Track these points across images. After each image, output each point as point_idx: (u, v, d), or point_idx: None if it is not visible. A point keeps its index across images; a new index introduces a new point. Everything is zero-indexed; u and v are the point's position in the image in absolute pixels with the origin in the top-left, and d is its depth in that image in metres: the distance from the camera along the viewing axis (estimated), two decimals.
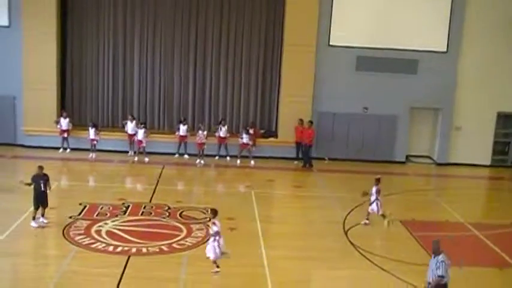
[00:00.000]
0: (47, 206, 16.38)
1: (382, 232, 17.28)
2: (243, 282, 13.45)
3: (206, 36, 25.97)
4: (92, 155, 24.25)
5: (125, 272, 13.53)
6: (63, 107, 25.56)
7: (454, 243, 16.37)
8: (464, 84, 26.13)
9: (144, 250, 14.87)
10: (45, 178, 16.28)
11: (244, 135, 24.54)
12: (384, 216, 17.46)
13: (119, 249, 14.86)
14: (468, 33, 25.84)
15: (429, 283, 11.71)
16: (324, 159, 25.70)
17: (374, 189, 17.52)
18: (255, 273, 13.98)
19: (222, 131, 24.81)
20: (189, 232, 16.23)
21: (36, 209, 16.12)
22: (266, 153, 25.45)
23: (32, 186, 16.16)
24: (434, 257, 11.81)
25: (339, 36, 25.44)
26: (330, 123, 25.85)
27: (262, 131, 26.20)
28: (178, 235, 15.98)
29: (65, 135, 24.70)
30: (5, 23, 24.68)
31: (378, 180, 17.67)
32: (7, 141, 25.03)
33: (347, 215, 18.46)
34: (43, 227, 16.06)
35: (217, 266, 13.54)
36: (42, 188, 16.15)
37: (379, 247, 15.81)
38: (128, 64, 26.09)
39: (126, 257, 14.34)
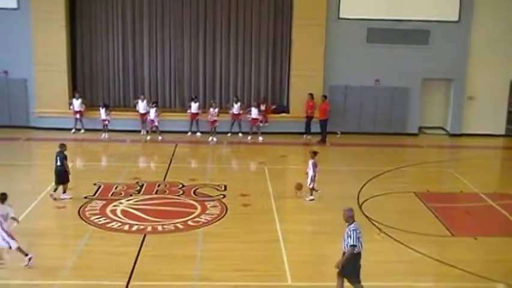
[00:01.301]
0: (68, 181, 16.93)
1: (396, 205, 17.27)
2: (258, 258, 13.51)
3: (215, 13, 25.84)
4: (105, 135, 24.35)
5: (141, 251, 13.63)
6: (75, 88, 25.61)
7: (469, 213, 16.38)
8: (477, 54, 25.88)
9: (160, 228, 14.96)
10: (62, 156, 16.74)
11: (253, 111, 24.47)
12: (313, 190, 17.33)
13: (135, 228, 14.96)
14: (480, 2, 25.56)
15: (344, 252, 11.39)
16: (336, 133, 25.63)
17: (310, 163, 17.31)
18: (270, 248, 14.03)
19: (235, 108, 24.76)
20: (204, 209, 16.29)
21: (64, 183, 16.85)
22: (278, 128, 25.41)
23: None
24: (347, 226, 11.50)
25: (348, 8, 25.19)
26: (341, 96, 25.75)
27: (273, 107, 26.13)
28: (193, 212, 16.05)
29: (78, 116, 24.78)
30: (14, 5, 24.67)
31: (314, 154, 17.50)
32: (20, 124, 25.18)
33: (361, 188, 18.44)
34: (59, 208, 16.23)
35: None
36: (60, 164, 16.66)
37: (394, 220, 15.77)
38: (137, 43, 26.04)
39: (142, 236, 14.43)
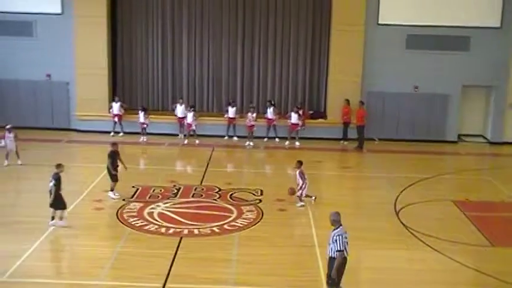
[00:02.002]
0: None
1: (434, 213, 17.09)
2: (294, 263, 13.53)
3: (254, 18, 25.96)
4: (143, 138, 24.64)
5: (177, 253, 13.76)
6: (114, 92, 26.01)
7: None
8: None
9: (196, 232, 15.08)
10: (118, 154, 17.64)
11: (293, 116, 24.49)
12: (301, 197, 17.21)
13: (171, 231, 15.11)
14: None
15: (331, 257, 11.30)
16: (373, 139, 25.47)
17: (297, 173, 17.25)
18: (306, 253, 14.03)
19: (269, 113, 24.82)
20: (240, 213, 16.37)
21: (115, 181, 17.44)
22: (315, 134, 25.37)
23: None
24: (332, 230, 11.41)
25: (388, 14, 25.04)
26: (379, 103, 25.58)
27: (310, 112, 26.11)
28: (229, 216, 16.14)
29: (116, 119, 25.14)
30: (58, 10, 25.19)
31: (299, 163, 17.40)
32: (62, 126, 25.67)
33: (398, 195, 18.29)
34: (98, 209, 16.51)
35: None
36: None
37: (431, 227, 15.61)
38: (177, 48, 26.31)
39: (178, 239, 14.57)
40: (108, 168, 17.34)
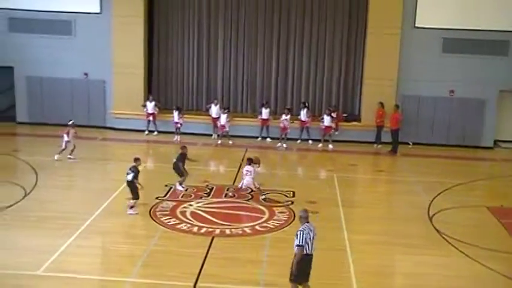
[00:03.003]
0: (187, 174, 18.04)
1: (467, 219, 16.89)
2: (324, 266, 13.48)
3: (289, 19, 25.98)
4: (177, 137, 24.84)
5: (209, 253, 13.85)
6: (149, 91, 26.28)
7: None
8: None
9: (228, 232, 15.16)
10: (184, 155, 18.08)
11: (326, 118, 24.43)
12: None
13: (203, 230, 15.21)
14: None
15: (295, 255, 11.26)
16: (407, 143, 25.26)
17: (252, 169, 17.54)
18: (337, 257, 14.00)
19: (302, 114, 24.79)
20: (272, 215, 16.40)
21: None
22: (349, 137, 25.28)
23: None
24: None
25: (424, 17, 24.81)
26: (414, 106, 25.35)
27: (344, 115, 26.01)
28: (261, 217, 16.18)
29: (151, 118, 25.39)
30: (97, 9, 25.58)
31: (250, 160, 17.77)
32: (97, 124, 26.03)
33: (432, 200, 18.12)
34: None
35: None
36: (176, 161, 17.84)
37: (465, 234, 15.43)
38: (212, 48, 26.48)
39: (210, 238, 14.66)
40: (178, 167, 17.91)
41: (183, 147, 18.47)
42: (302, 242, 11.05)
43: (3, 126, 25.33)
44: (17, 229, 14.89)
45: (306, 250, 11.13)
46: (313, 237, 11.21)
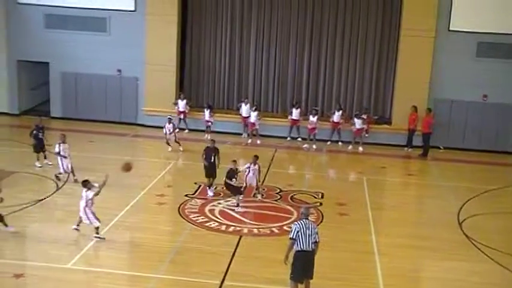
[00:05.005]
0: (215, 177, 17.73)
1: (498, 225, 16.68)
2: (352, 268, 13.47)
3: (322, 20, 25.88)
4: (207, 136, 24.95)
5: (237, 251, 13.93)
6: (181, 89, 26.45)
7: None
8: None
9: (256, 231, 15.22)
10: (216, 151, 17.89)
11: (357, 121, 24.31)
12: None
13: (231, 229, 15.29)
14: None
15: None
16: (439, 147, 25.00)
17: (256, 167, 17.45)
18: (365, 259, 13.96)
19: (336, 116, 24.71)
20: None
21: (208, 177, 17.72)
22: (379, 139, 25.11)
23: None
24: None
25: (459, 21, 24.51)
26: (446, 110, 25.05)
27: (375, 117, 25.85)
28: (289, 218, 16.18)
29: (182, 116, 25.55)
30: (131, 7, 25.81)
31: (256, 158, 17.67)
32: (129, 121, 26.27)
33: (462, 206, 17.92)
34: (161, 204, 16.84)
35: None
36: (212, 160, 17.64)
37: (496, 240, 15.24)
38: (244, 48, 26.53)
39: (238, 237, 14.74)
40: (212, 164, 17.86)
41: (213, 141, 18.52)
42: (293, 236, 11.18)
43: (37, 120, 25.67)
44: (48, 222, 15.15)
45: (300, 246, 11.19)
46: (309, 235, 11.22)
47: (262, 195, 17.84)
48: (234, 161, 17.27)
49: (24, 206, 15.42)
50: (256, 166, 17.49)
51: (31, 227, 13.57)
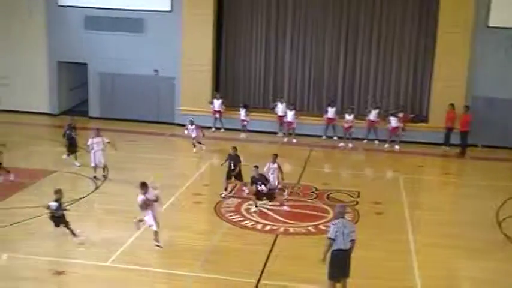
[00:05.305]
0: (241, 180, 17.80)
1: None
2: (388, 268, 13.41)
3: (358, 18, 25.75)
4: (243, 135, 25.06)
5: (273, 250, 13.98)
6: (217, 89, 26.61)
7: None
8: None
9: (292, 230, 15.25)
10: (237, 159, 17.79)
11: (392, 119, 24.12)
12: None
13: (267, 228, 15.35)
14: None
15: None
16: (477, 146, 24.65)
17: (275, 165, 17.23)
18: (401, 259, 13.88)
19: (373, 114, 24.56)
20: None
21: (228, 178, 17.75)
22: (416, 138, 24.85)
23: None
24: None
25: (498, 17, 24.10)
26: (484, 108, 24.64)
27: (412, 115, 25.60)
28: (325, 217, 16.17)
29: (217, 115, 25.71)
30: (168, 7, 26.05)
31: (275, 156, 17.50)
32: (166, 120, 26.53)
33: (501, 205, 17.65)
34: (197, 203, 17.04)
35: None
36: (232, 167, 17.61)
37: None
38: (280, 47, 26.55)
39: (274, 236, 14.79)
40: (233, 171, 17.80)
41: (234, 148, 18.27)
42: (332, 235, 11.12)
43: (76, 120, 25.99)
44: (87, 221, 15.43)
45: (338, 245, 11.16)
46: (347, 234, 11.17)
47: (286, 194, 17.61)
48: (256, 167, 16.88)
49: (66, 204, 15.68)
50: (275, 165, 17.34)
51: (71, 226, 13.84)
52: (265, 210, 16.51)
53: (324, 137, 25.22)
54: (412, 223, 16.03)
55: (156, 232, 13.70)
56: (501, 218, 16.60)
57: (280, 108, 25.16)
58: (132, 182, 18.60)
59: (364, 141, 24.82)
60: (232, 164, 17.73)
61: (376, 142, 24.73)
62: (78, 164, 19.95)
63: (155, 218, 13.69)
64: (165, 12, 26.06)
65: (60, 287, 12.43)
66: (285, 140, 24.78)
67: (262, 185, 16.40)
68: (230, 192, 17.79)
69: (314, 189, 18.45)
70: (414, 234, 15.21)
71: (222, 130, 25.71)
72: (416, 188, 19.79)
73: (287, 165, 22.19)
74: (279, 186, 17.49)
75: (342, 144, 24.34)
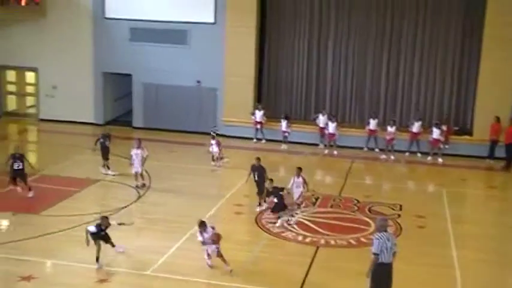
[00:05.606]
0: (261, 193, 17.51)
1: None
2: (430, 282, 13.24)
3: (401, 28, 25.54)
4: (284, 146, 25.08)
5: (314, 262, 13.94)
6: (259, 100, 26.72)
7: None
8: None
9: (333, 242, 15.19)
10: (261, 170, 17.63)
11: (435, 131, 23.81)
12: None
13: (308, 239, 15.32)
14: None
15: None
16: None
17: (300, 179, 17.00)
18: (444, 274, 13.68)
19: (416, 126, 24.31)
20: None
21: (258, 194, 17.57)
22: (459, 150, 24.47)
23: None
24: None
25: None
26: None
27: (455, 128, 25.24)
28: (367, 230, 16.06)
29: (259, 126, 25.80)
30: (211, 19, 26.34)
31: (300, 170, 17.19)
32: (208, 131, 26.52)
33: None
34: (238, 213, 17.12)
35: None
36: (256, 178, 17.50)
37: None
38: (321, 58, 26.52)
39: (315, 248, 14.75)
40: (256, 182, 17.68)
41: (258, 159, 18.06)
42: (377, 250, 10.98)
43: (121, 130, 26.58)
44: (129, 230, 15.58)
45: (382, 259, 11.03)
46: (390, 247, 11.05)
47: (297, 209, 17.26)
48: (271, 180, 16.92)
49: (109, 213, 15.94)
50: (300, 179, 17.19)
51: (113, 235, 14.02)
52: (306, 222, 16.48)
53: (366, 149, 25.06)
54: (455, 237, 15.78)
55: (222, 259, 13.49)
56: None
57: (321, 119, 25.12)
58: (174, 192, 18.98)
59: (407, 154, 24.56)
60: (256, 175, 17.59)
61: (419, 154, 24.45)
62: (112, 173, 20.27)
63: (218, 252, 13.39)
64: (208, 25, 26.33)
65: None
66: (326, 151, 24.71)
67: (275, 198, 16.31)
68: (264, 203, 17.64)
69: (355, 202, 18.34)
70: (457, 249, 14.97)
71: (263, 141, 25.79)
72: (459, 202, 19.48)
73: (328, 177, 22.24)
74: (299, 200, 17.32)
75: (383, 156, 24.15)
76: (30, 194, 17.78)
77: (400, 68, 25.88)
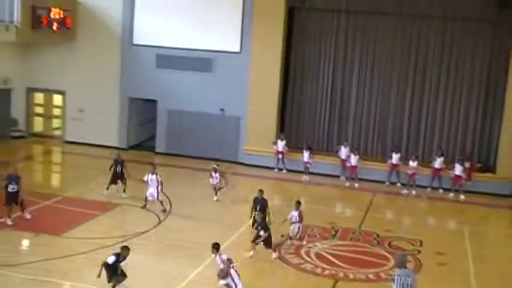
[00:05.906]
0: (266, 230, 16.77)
1: None
2: None
3: (425, 64, 25.64)
4: (305, 177, 25.08)
5: None
6: (281, 130, 26.83)
7: None
8: None
9: (351, 276, 15.10)
10: (264, 203, 17.55)
11: (457, 167, 23.65)
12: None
13: (327, 272, 15.25)
14: None
15: None
16: None
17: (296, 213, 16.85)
18: None
19: (438, 162, 24.19)
20: None
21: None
22: (482, 188, 24.26)
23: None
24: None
25: None
26: None
27: (478, 165, 25.06)
28: (386, 264, 15.96)
29: (280, 156, 25.86)
30: (237, 49, 26.64)
31: (299, 203, 17.01)
32: (230, 159, 26.82)
33: None
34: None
35: None
36: (258, 210, 17.23)
37: None
38: (345, 90, 26.65)
39: (333, 281, 14.68)
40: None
41: (261, 191, 17.93)
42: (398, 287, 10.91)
43: (143, 155, 26.83)
44: (149, 254, 15.69)
45: None
46: (411, 284, 10.95)
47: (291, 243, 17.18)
48: (261, 211, 16.90)
49: (128, 237, 16.04)
50: (297, 212, 17.14)
51: (132, 259, 14.07)
52: (325, 254, 16.42)
53: (387, 183, 24.96)
54: (476, 276, 15.61)
55: None
56: None
57: (343, 151, 25.14)
58: (194, 218, 19.05)
59: (428, 189, 24.42)
60: (258, 208, 17.41)
61: (441, 191, 24.30)
62: (124, 195, 20.50)
63: (233, 280, 13.13)
64: (234, 54, 26.62)
65: None
66: (348, 184, 24.66)
67: (262, 231, 16.03)
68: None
69: (375, 235, 18.25)
70: None
71: (284, 171, 25.82)
72: (481, 240, 19.29)
73: (348, 210, 22.16)
74: (298, 235, 17.18)
75: (405, 191, 24.03)
76: (28, 216, 17.61)
77: (424, 103, 25.90)
